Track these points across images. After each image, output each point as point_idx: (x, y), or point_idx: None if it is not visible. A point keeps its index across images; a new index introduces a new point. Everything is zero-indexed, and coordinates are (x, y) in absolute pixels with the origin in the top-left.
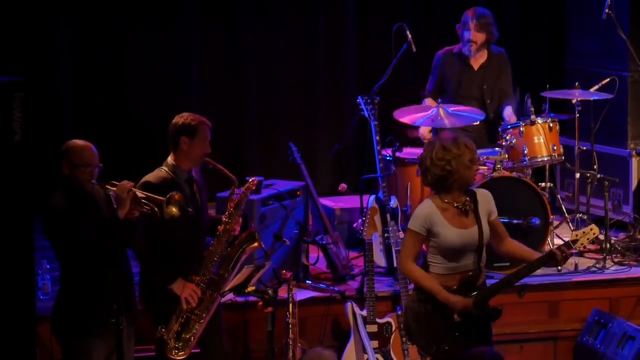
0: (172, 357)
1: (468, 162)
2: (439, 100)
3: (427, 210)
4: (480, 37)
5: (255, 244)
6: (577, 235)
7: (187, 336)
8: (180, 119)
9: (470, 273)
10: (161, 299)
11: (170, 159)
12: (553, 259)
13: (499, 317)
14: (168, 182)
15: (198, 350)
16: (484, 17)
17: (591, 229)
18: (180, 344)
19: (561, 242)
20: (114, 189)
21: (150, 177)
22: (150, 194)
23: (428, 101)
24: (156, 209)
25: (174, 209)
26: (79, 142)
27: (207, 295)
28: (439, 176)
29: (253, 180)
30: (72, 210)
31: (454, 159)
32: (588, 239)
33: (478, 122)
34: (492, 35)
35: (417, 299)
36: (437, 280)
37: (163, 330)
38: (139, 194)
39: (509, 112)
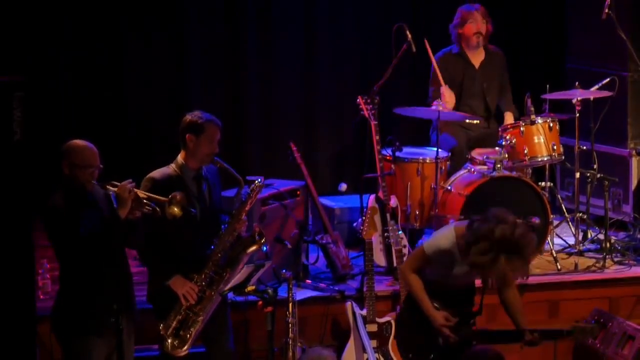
0: (169, 353)
1: (502, 276)
2: (440, 101)
3: (449, 247)
4: (484, 28)
5: (255, 247)
6: (576, 325)
7: (185, 333)
8: (189, 116)
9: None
10: (163, 296)
11: (179, 157)
12: (522, 338)
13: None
14: (173, 179)
15: (204, 350)
16: (483, 7)
17: (592, 329)
18: (177, 341)
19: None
20: (115, 189)
21: (155, 173)
22: (152, 194)
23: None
24: (158, 209)
25: (175, 209)
26: (80, 142)
27: (207, 294)
28: (475, 262)
29: (259, 182)
30: (71, 210)
31: (498, 272)
32: (584, 336)
33: (478, 122)
34: (490, 26)
35: (407, 307)
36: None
37: (162, 326)
38: (141, 194)
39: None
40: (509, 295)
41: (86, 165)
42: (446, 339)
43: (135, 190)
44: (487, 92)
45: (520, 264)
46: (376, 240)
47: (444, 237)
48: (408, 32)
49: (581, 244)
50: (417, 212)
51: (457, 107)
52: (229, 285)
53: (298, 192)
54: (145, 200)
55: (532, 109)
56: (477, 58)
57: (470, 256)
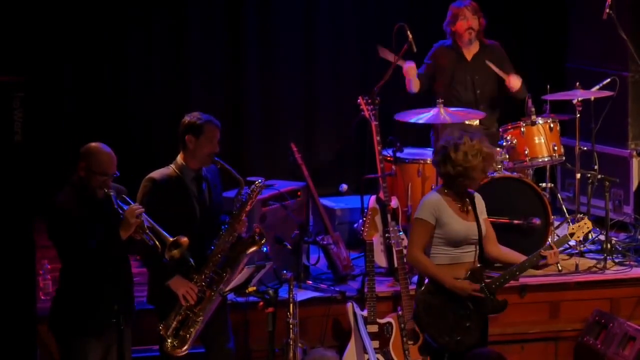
0: (169, 353)
1: (481, 173)
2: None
3: (435, 200)
4: (475, 23)
5: (255, 247)
6: (573, 229)
7: (185, 333)
8: (188, 117)
9: (479, 265)
10: (165, 297)
11: (179, 158)
12: (543, 258)
13: (505, 309)
14: (173, 179)
15: (203, 350)
16: (474, 3)
17: (585, 223)
18: (177, 341)
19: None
20: (124, 208)
21: (155, 173)
22: (158, 228)
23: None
24: (158, 243)
25: (176, 252)
26: (100, 147)
27: (207, 294)
28: (450, 175)
29: (259, 183)
30: (77, 214)
31: (471, 168)
32: (583, 232)
33: (477, 122)
34: (483, 20)
35: (429, 291)
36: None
37: (162, 326)
38: (147, 222)
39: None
40: (496, 247)
41: (102, 172)
42: (483, 300)
43: (142, 217)
44: (478, 85)
45: (486, 142)
46: (377, 241)
47: (428, 196)
48: (409, 32)
49: (582, 245)
50: None
51: (447, 98)
52: (230, 286)
53: (299, 193)
54: (148, 231)
55: (533, 109)
56: (470, 50)
57: (447, 164)
